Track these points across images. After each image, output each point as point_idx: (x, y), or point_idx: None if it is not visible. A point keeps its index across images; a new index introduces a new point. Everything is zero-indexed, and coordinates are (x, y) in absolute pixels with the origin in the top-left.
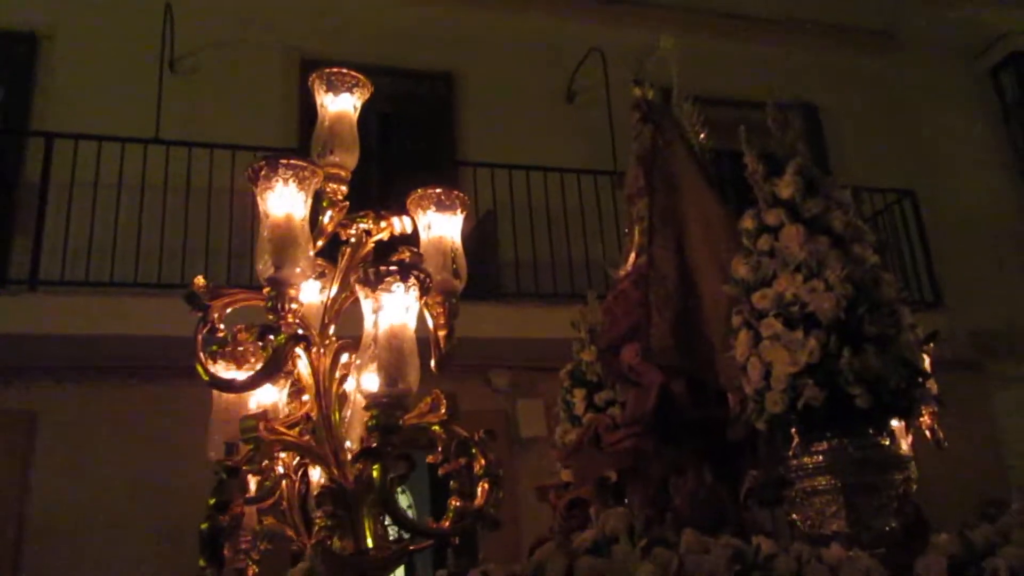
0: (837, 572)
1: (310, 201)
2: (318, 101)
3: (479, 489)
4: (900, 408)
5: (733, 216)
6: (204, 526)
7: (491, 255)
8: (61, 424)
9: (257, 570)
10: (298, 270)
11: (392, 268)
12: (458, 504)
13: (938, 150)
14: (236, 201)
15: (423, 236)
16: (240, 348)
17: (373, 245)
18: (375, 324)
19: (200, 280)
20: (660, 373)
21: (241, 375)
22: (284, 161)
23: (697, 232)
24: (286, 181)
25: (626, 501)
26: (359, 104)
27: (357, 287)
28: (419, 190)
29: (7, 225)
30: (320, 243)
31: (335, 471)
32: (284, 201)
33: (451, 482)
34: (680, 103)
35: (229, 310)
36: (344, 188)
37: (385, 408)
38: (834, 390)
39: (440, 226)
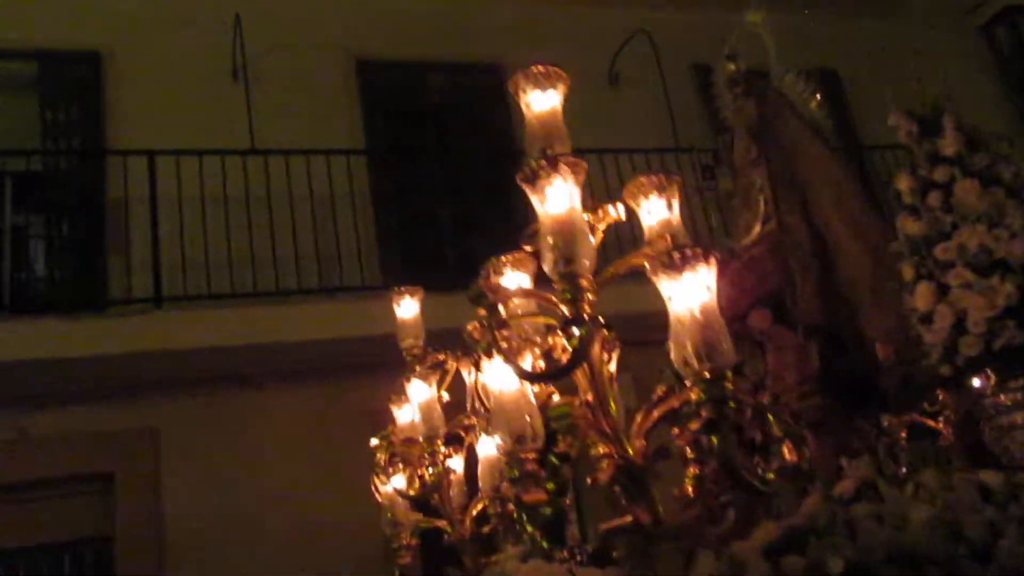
0: None
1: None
2: (523, 100)
3: (784, 448)
4: None
5: (857, 177)
6: (548, 510)
7: None
8: (183, 438)
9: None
10: (587, 262)
11: (697, 250)
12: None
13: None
14: (337, 205)
15: (646, 222)
16: (512, 342)
17: (603, 234)
18: (683, 305)
19: (482, 283)
20: (794, 335)
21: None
22: (563, 158)
23: (826, 195)
24: (565, 177)
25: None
26: (561, 99)
27: (659, 272)
28: (639, 178)
29: (103, 244)
30: None
31: (620, 448)
32: (564, 197)
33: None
34: (780, 74)
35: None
36: None
37: (711, 382)
38: None
39: (661, 210)
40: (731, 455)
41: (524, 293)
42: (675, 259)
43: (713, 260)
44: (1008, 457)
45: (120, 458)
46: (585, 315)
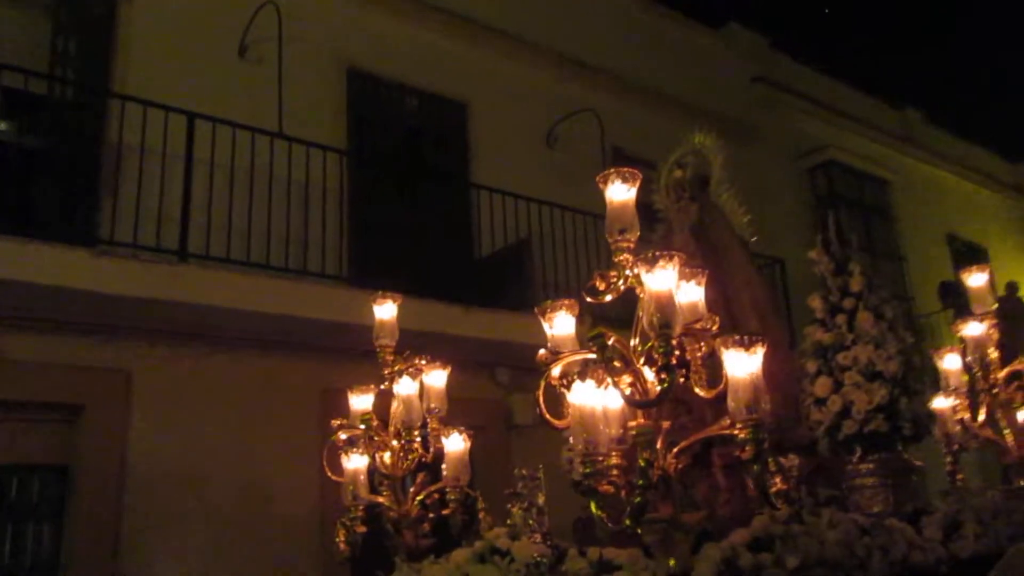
0: (904, 535)
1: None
2: (609, 190)
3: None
4: (921, 437)
5: (764, 281)
6: (637, 499)
7: (528, 273)
8: (154, 384)
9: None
10: (677, 328)
11: (758, 336)
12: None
13: (777, 228)
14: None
15: (679, 300)
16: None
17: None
18: (740, 371)
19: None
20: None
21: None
22: (668, 253)
23: (744, 295)
24: (666, 267)
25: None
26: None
27: (727, 347)
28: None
29: (97, 184)
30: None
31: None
32: (665, 280)
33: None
34: (720, 191)
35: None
36: (631, 257)
37: (755, 427)
38: (892, 422)
39: (693, 292)
40: (764, 479)
41: (618, 342)
42: (744, 340)
43: (761, 344)
44: (859, 505)
45: (92, 392)
46: (672, 363)
